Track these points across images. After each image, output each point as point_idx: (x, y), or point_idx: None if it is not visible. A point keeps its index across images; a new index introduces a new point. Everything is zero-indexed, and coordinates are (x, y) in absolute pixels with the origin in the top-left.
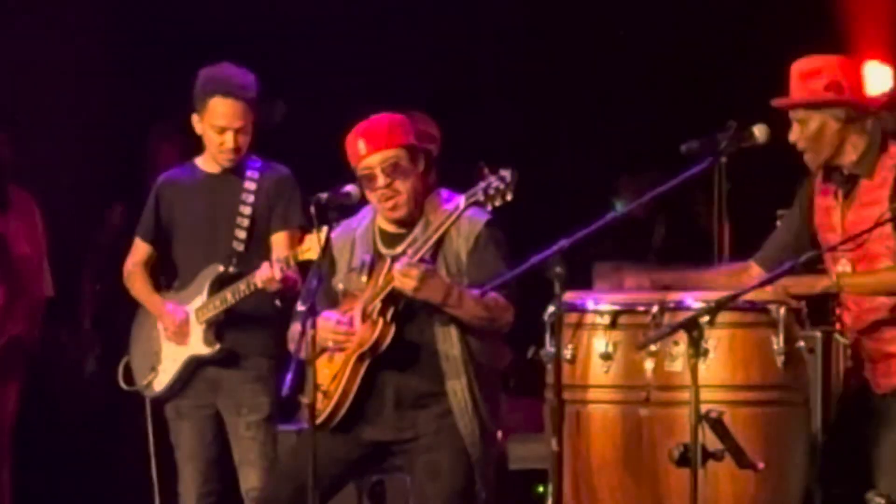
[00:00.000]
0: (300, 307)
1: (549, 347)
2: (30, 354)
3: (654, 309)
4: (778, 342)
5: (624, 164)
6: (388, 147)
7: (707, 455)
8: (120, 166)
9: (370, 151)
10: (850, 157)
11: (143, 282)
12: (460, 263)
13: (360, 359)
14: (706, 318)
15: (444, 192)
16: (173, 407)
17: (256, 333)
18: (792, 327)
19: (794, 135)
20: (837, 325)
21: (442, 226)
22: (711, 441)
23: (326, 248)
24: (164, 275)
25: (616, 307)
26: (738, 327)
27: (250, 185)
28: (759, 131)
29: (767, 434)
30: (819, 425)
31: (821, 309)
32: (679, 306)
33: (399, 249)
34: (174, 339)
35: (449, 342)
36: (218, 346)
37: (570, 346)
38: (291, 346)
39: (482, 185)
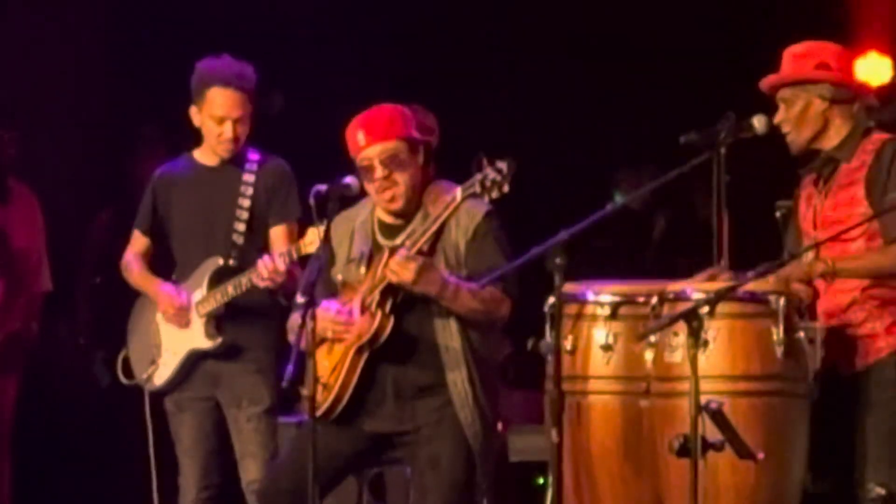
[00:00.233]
0: (299, 298)
1: (549, 339)
2: (28, 349)
3: (654, 300)
4: (778, 333)
5: (624, 155)
6: (387, 139)
7: (707, 446)
8: (119, 164)
9: (369, 143)
10: (832, 140)
11: (141, 268)
12: (459, 255)
13: (359, 351)
14: (706, 309)
15: (444, 184)
16: (173, 400)
17: (257, 326)
18: (792, 318)
19: (780, 116)
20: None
21: (440, 217)
22: (711, 432)
23: (326, 239)
24: (162, 268)
25: (616, 298)
26: (738, 318)
27: (249, 178)
28: (759, 122)
29: (767, 424)
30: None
31: None
32: (679, 297)
33: (398, 241)
34: (174, 322)
35: (448, 333)
36: (219, 340)
37: (570, 337)
38: (291, 338)
39: (479, 176)
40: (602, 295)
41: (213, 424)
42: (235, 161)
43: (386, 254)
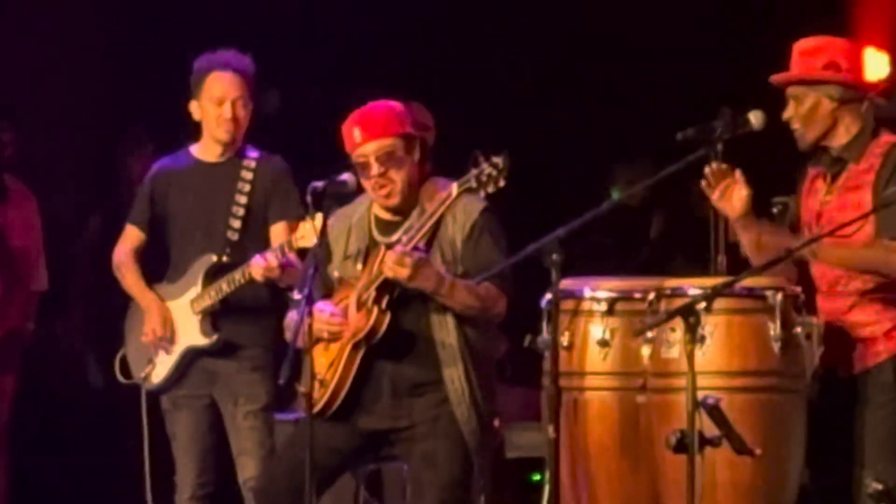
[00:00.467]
0: (296, 295)
1: (546, 335)
2: (25, 347)
3: (651, 296)
4: (775, 328)
5: (620, 152)
6: (383, 136)
7: (704, 441)
8: (111, 164)
9: (365, 140)
10: (841, 139)
11: (136, 275)
12: (456, 251)
13: (356, 347)
14: (703, 305)
15: (440, 180)
16: (170, 398)
17: (253, 323)
18: (789, 313)
19: (789, 112)
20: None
21: (436, 213)
22: (708, 427)
23: (323, 235)
24: (155, 263)
25: (613, 294)
26: (735, 313)
27: (247, 175)
28: (755, 117)
29: (764, 420)
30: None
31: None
32: (676, 293)
33: (394, 237)
34: (151, 346)
35: (445, 330)
36: (215, 337)
37: (567, 333)
38: (288, 335)
39: (475, 171)
40: (599, 291)
41: (210, 422)
42: (234, 158)
43: (382, 250)
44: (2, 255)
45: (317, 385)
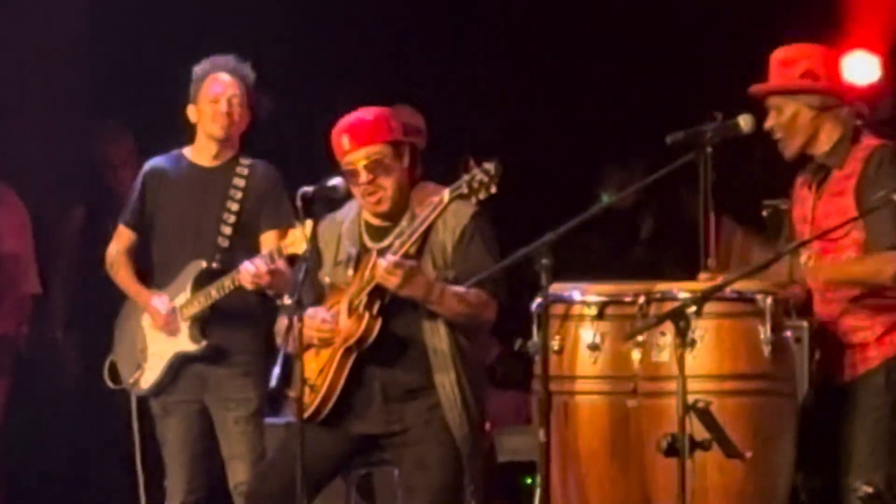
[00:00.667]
0: (286, 300)
1: (537, 339)
2: (18, 352)
3: (641, 300)
4: (765, 332)
5: (610, 156)
6: (372, 143)
7: (695, 445)
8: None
9: (354, 147)
10: (823, 146)
11: (129, 271)
12: (446, 255)
13: (347, 352)
14: (693, 309)
15: (430, 185)
16: (160, 403)
17: (243, 329)
18: (779, 317)
19: (771, 121)
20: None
21: (427, 219)
22: (699, 431)
23: (313, 241)
24: (142, 265)
25: (603, 298)
26: (725, 317)
27: (239, 182)
28: (745, 121)
29: (755, 423)
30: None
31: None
32: (666, 297)
33: (385, 242)
34: (164, 331)
35: (437, 336)
36: (204, 343)
37: (557, 338)
38: (279, 340)
39: (466, 177)
40: (589, 295)
41: (201, 427)
42: (227, 164)
43: (373, 256)
44: None
45: (308, 390)
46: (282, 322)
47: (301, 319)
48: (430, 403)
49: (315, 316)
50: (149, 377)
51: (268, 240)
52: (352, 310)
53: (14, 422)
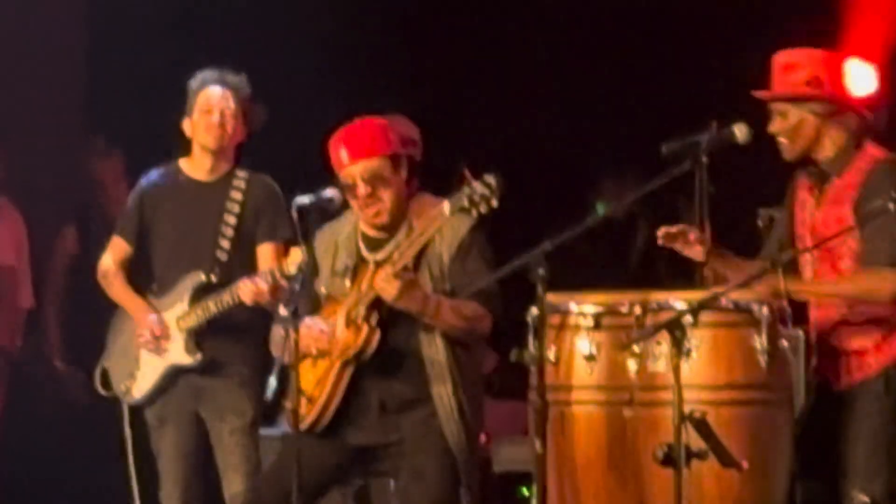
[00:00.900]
0: (282, 311)
1: (533, 349)
2: (12, 365)
3: (637, 309)
4: (761, 342)
5: (606, 165)
6: (370, 156)
7: (691, 455)
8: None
9: (352, 160)
10: (826, 152)
11: (123, 283)
12: (443, 267)
13: (346, 364)
14: (689, 319)
15: (427, 197)
16: (155, 414)
17: (238, 342)
18: (775, 327)
19: (775, 126)
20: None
21: (426, 232)
22: (695, 441)
23: (309, 251)
24: (138, 278)
25: (599, 308)
26: (721, 327)
27: (236, 195)
28: (740, 131)
29: (751, 433)
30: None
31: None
32: (662, 306)
33: (382, 254)
34: (149, 348)
35: (434, 347)
36: (199, 356)
37: (553, 348)
38: (275, 351)
39: (467, 191)
40: (585, 305)
41: (196, 438)
42: (224, 177)
43: (372, 267)
44: None
45: (305, 401)
46: (277, 332)
47: (297, 330)
48: (426, 414)
49: (312, 326)
50: (142, 386)
51: (264, 252)
52: (349, 321)
53: (8, 433)
